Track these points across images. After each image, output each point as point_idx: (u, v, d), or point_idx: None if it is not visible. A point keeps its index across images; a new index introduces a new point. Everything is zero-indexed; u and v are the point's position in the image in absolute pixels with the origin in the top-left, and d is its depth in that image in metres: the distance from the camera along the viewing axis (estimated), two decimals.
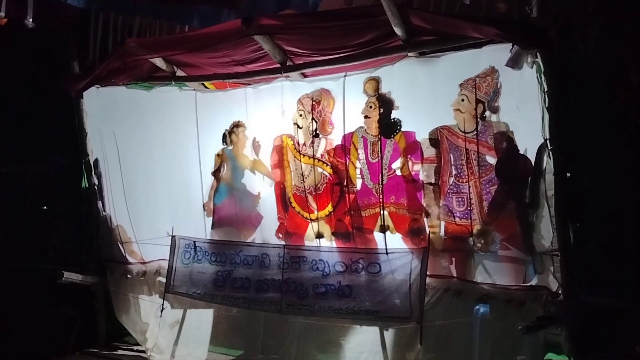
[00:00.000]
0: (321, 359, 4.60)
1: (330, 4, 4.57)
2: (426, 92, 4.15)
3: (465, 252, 4.02)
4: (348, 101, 4.42)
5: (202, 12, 4.26)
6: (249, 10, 4.11)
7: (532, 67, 3.63)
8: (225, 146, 5.07)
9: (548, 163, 3.61)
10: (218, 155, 5.09)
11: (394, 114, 4.27)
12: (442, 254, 4.12)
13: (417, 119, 4.22)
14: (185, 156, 5.20)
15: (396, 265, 4.10)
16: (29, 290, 5.61)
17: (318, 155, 4.58)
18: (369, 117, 4.36)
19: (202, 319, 5.10)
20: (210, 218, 5.12)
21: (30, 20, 4.58)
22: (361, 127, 4.42)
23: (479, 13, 4.09)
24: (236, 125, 5.00)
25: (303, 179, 4.66)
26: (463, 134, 3.98)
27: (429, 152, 4.14)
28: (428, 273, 4.01)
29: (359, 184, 4.45)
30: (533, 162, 3.71)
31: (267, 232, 4.90)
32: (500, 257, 3.91)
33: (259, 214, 4.98)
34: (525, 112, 3.74)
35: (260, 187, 4.97)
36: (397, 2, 3.77)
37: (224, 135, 5.04)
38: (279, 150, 4.79)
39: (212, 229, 5.10)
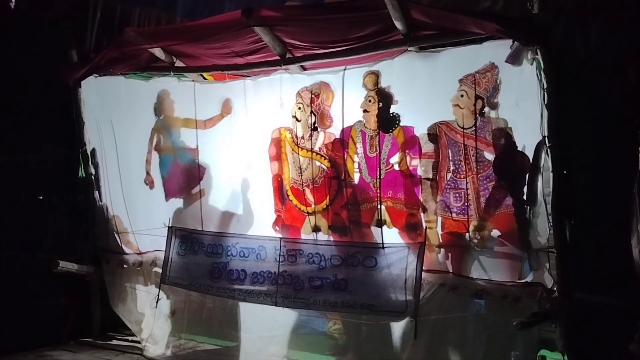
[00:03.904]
0: (314, 355, 4.62)
1: None
2: (425, 87, 4.15)
3: (461, 247, 4.02)
4: (347, 95, 4.40)
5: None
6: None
7: (532, 64, 3.62)
8: (157, 118, 5.19)
9: (546, 160, 3.61)
10: (153, 129, 5.22)
11: (393, 109, 4.26)
12: (438, 249, 4.13)
13: (416, 114, 4.21)
14: None
15: (392, 260, 4.09)
16: (24, 279, 5.61)
17: (316, 148, 4.57)
18: (368, 111, 4.35)
19: (197, 310, 5.11)
20: (152, 190, 5.27)
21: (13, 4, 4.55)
22: (360, 121, 4.41)
23: (470, 5, 4.09)
24: (159, 96, 5.15)
25: (301, 172, 4.65)
26: (462, 130, 3.98)
27: (427, 147, 4.13)
28: (424, 268, 4.01)
29: (356, 178, 4.44)
30: (531, 159, 3.71)
31: (213, 182, 5.03)
32: (496, 253, 3.92)
33: (201, 165, 5.08)
34: (524, 108, 3.74)
35: (197, 141, 5.07)
36: None
37: (154, 110, 5.17)
38: (277, 142, 4.77)
39: (166, 200, 5.22)
